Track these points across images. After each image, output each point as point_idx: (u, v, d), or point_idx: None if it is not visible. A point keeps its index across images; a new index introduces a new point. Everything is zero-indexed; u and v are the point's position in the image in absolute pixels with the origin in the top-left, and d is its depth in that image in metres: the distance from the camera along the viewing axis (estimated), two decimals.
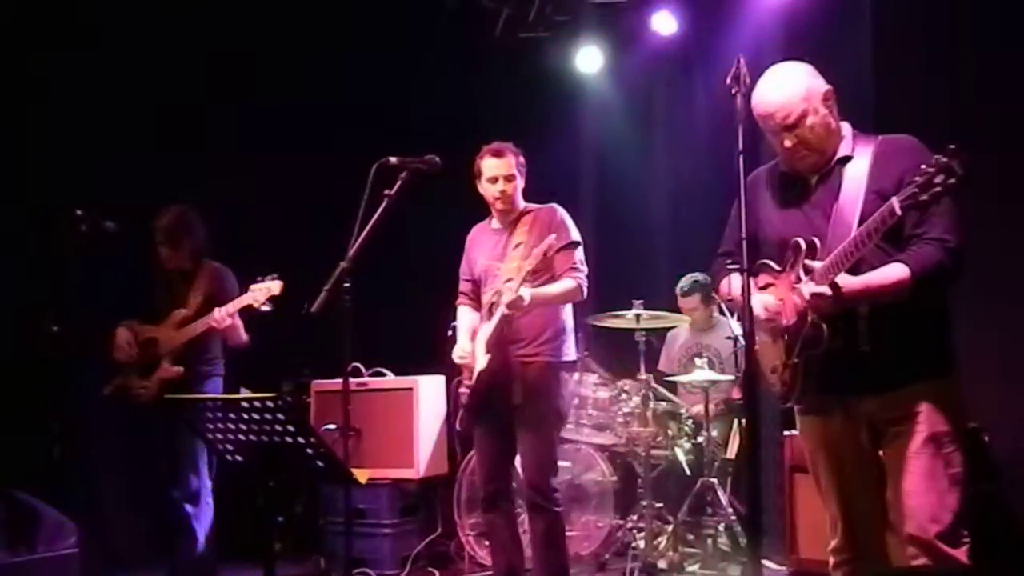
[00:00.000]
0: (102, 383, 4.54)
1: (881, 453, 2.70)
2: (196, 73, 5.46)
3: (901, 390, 2.61)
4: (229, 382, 4.66)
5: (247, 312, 4.37)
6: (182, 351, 4.44)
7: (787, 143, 2.70)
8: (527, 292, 3.63)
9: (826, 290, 2.52)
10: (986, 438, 3.81)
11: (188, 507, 4.37)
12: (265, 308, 4.29)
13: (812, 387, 2.69)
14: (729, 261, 2.84)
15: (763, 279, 2.81)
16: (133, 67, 5.30)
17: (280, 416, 2.67)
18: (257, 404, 2.68)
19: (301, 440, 2.70)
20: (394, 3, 6.00)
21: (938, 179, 2.30)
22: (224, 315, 4.32)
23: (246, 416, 2.73)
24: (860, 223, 2.54)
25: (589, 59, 6.45)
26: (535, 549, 3.83)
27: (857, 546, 2.74)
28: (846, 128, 2.76)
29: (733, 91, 2.70)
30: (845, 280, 2.53)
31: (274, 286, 4.28)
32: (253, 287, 4.30)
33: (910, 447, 2.59)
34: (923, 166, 2.35)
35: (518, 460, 3.93)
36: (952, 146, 2.31)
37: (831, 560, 2.82)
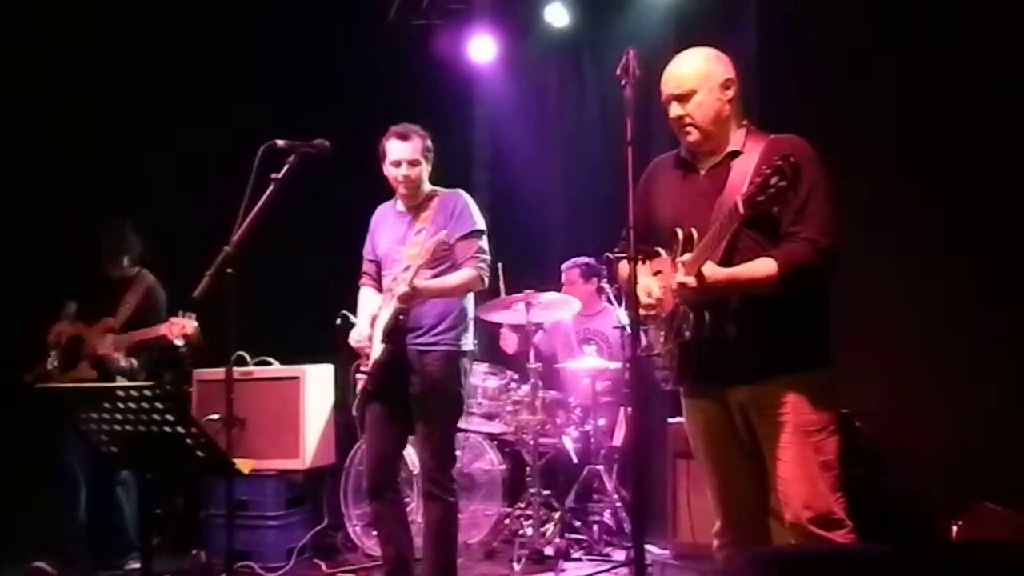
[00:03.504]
0: None
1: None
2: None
3: (770, 381, 2.69)
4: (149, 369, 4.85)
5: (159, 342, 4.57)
6: (100, 358, 4.68)
7: (671, 111, 2.82)
8: (420, 283, 3.60)
9: (691, 280, 2.59)
10: (858, 424, 3.98)
11: (120, 489, 4.63)
12: (177, 342, 4.43)
13: (690, 374, 2.78)
14: (623, 243, 2.88)
15: (655, 265, 2.88)
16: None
17: (159, 405, 2.58)
18: (134, 393, 2.59)
19: (181, 430, 2.62)
20: None
21: (773, 180, 2.42)
22: (135, 339, 4.60)
23: (122, 405, 2.64)
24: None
25: (482, 48, 6.45)
26: (426, 539, 3.80)
27: (737, 530, 2.82)
28: (743, 124, 2.84)
29: (623, 83, 2.74)
30: (712, 271, 2.60)
31: (189, 325, 4.39)
32: (173, 320, 4.43)
33: (781, 437, 2.67)
34: (763, 167, 2.49)
35: (408, 450, 3.90)
36: (786, 155, 2.45)
37: (715, 543, 2.90)
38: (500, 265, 4.96)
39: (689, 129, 2.81)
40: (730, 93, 2.80)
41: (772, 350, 2.67)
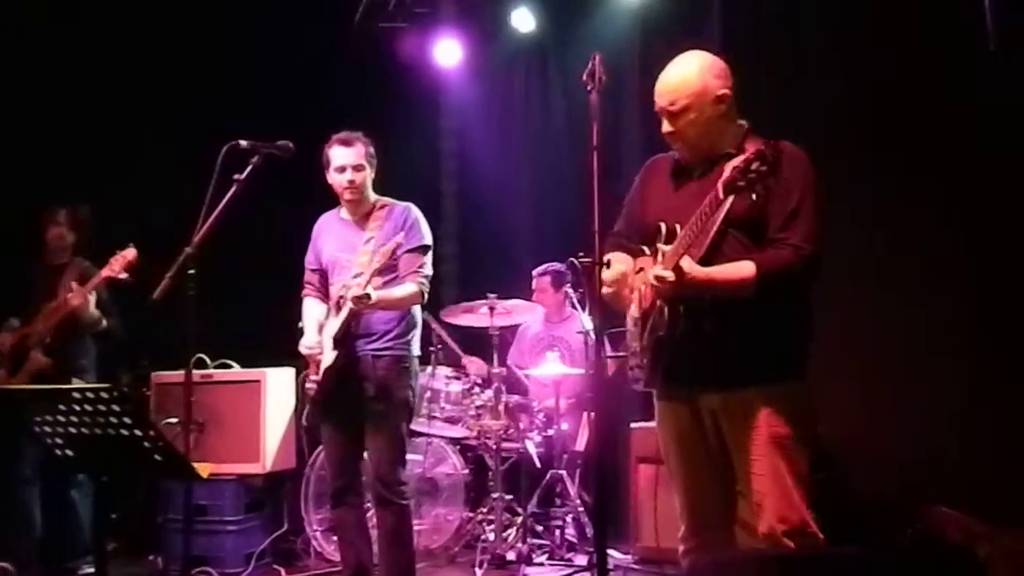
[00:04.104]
0: None
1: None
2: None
3: (741, 391, 2.64)
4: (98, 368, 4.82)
5: (110, 284, 4.54)
6: (51, 343, 4.61)
7: (664, 127, 2.77)
8: (374, 292, 3.59)
9: (669, 273, 2.54)
10: (819, 429, 4.01)
11: (74, 492, 4.61)
12: (123, 276, 4.43)
13: (662, 374, 2.74)
14: (613, 241, 2.89)
15: (639, 263, 2.83)
16: None
17: (115, 407, 2.53)
18: (90, 395, 2.54)
19: (138, 433, 2.57)
20: None
21: (754, 165, 2.40)
22: (79, 290, 4.48)
23: (78, 408, 2.58)
24: (723, 218, 2.58)
25: (448, 52, 6.45)
26: (382, 544, 3.79)
27: (702, 536, 2.79)
28: (741, 126, 2.78)
29: (589, 88, 2.74)
30: (691, 266, 2.55)
31: (128, 253, 4.43)
32: (111, 260, 4.44)
33: (753, 449, 2.64)
34: (743, 155, 2.47)
35: (366, 454, 3.88)
36: (770, 141, 2.44)
37: (680, 547, 2.87)
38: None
39: (679, 146, 2.78)
40: (723, 107, 2.74)
41: (747, 357, 2.63)
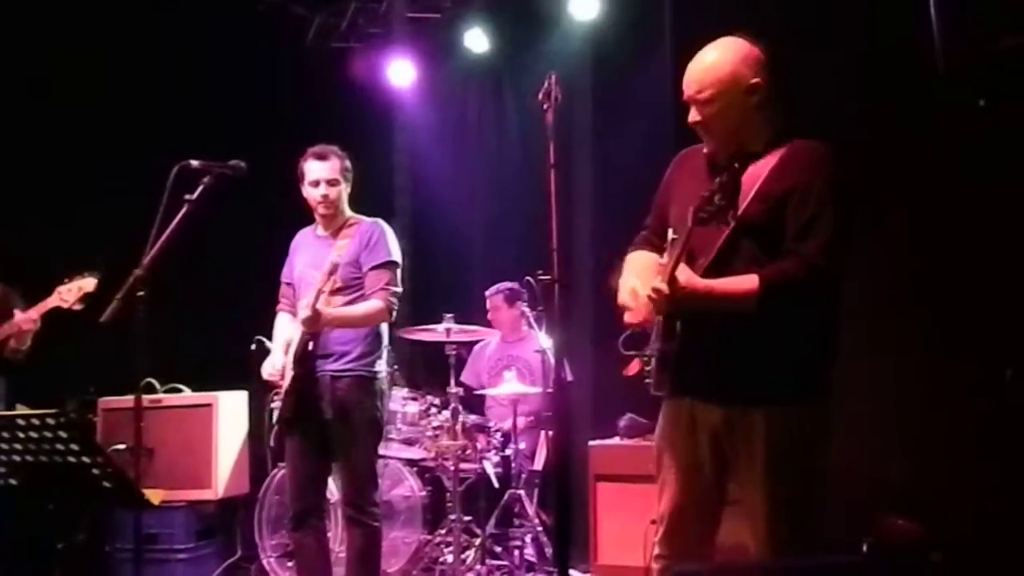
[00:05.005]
0: None
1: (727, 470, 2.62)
2: None
3: (744, 410, 2.50)
4: (7, 399, 4.48)
5: (56, 313, 4.29)
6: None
7: (691, 116, 2.59)
8: (324, 310, 3.54)
9: (663, 286, 2.39)
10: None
11: None
12: (77, 307, 4.20)
13: (667, 384, 2.58)
14: (642, 237, 2.77)
15: (658, 268, 2.62)
16: None
17: (62, 434, 2.46)
18: (36, 421, 2.47)
19: (86, 459, 2.50)
20: (201, 4, 5.76)
21: (716, 199, 2.34)
22: (28, 318, 4.24)
23: (22, 435, 2.51)
24: (737, 224, 2.46)
25: (401, 72, 6.45)
26: (349, 566, 3.74)
27: (676, 548, 2.69)
28: (770, 125, 2.61)
29: (544, 107, 2.75)
30: (688, 279, 2.40)
31: (87, 283, 4.19)
32: (61, 288, 4.20)
33: (748, 473, 2.52)
34: (708, 186, 2.37)
35: (330, 477, 3.83)
36: (730, 170, 2.37)
37: (654, 551, 2.76)
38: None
39: (705, 136, 2.60)
40: (756, 98, 2.54)
41: (752, 375, 2.46)
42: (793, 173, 2.48)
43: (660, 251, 2.62)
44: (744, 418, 2.51)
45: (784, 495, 2.47)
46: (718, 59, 2.55)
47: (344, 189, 3.84)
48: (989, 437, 3.64)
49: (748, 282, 2.41)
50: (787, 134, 2.57)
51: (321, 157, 3.79)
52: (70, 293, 4.19)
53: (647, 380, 2.64)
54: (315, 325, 3.56)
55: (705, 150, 2.65)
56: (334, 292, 3.58)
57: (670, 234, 2.52)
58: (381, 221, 3.89)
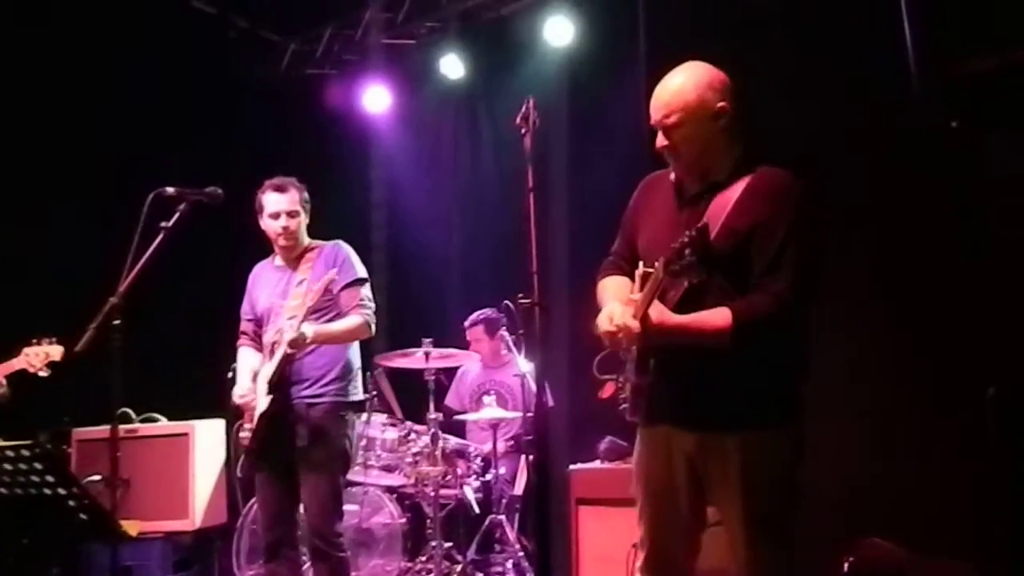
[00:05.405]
0: None
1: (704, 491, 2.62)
2: None
3: (718, 435, 2.51)
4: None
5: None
6: None
7: (658, 141, 2.60)
8: (309, 329, 3.55)
9: (634, 324, 2.41)
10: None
11: None
12: (43, 373, 4.08)
13: (641, 411, 2.61)
14: (611, 263, 2.77)
15: (629, 300, 2.63)
16: None
17: (37, 465, 2.44)
18: (10, 453, 2.44)
19: (62, 491, 2.47)
20: (175, 29, 5.75)
21: (686, 253, 2.28)
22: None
23: None
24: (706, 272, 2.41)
25: (377, 99, 6.47)
26: None
27: (659, 570, 2.69)
28: (735, 153, 2.61)
29: (523, 131, 2.76)
30: (660, 316, 2.41)
31: (53, 351, 4.06)
32: (28, 351, 4.08)
33: (724, 496, 2.53)
34: (680, 239, 2.30)
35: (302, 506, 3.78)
36: (699, 226, 2.31)
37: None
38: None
39: (672, 161, 2.61)
40: (722, 122, 2.55)
41: (724, 401, 2.48)
42: (759, 205, 2.47)
43: (630, 275, 2.63)
44: (718, 442, 2.52)
45: (762, 516, 2.48)
46: (684, 83, 2.56)
47: (303, 220, 3.86)
48: (969, 455, 3.66)
49: (720, 318, 2.41)
50: (752, 160, 2.57)
51: (280, 189, 3.80)
52: (37, 358, 4.09)
53: (622, 404, 2.67)
54: (303, 345, 3.54)
55: (672, 175, 2.66)
56: (307, 316, 3.57)
57: (640, 266, 2.51)
58: (341, 242, 3.91)
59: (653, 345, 2.45)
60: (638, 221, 2.73)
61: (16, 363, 4.10)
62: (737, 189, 2.50)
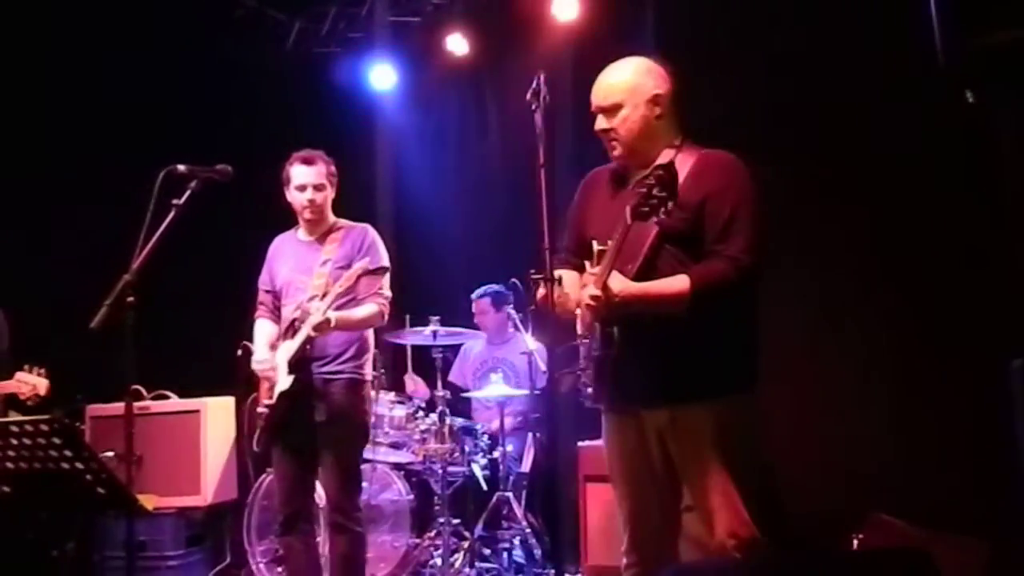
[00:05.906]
0: None
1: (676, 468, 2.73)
2: None
3: (687, 407, 2.63)
4: None
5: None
6: None
7: (597, 124, 2.77)
8: (333, 315, 3.56)
9: (597, 292, 2.53)
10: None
11: None
12: (30, 403, 4.15)
13: (607, 392, 2.73)
14: (560, 258, 2.86)
15: (584, 279, 2.78)
16: None
17: (55, 440, 2.46)
18: (29, 427, 2.46)
19: (79, 465, 2.50)
20: (181, 9, 5.73)
21: (655, 191, 2.41)
22: None
23: (15, 441, 2.51)
24: (656, 234, 2.60)
25: (383, 76, 6.45)
26: (333, 571, 3.73)
27: (644, 553, 2.78)
28: (676, 142, 2.77)
29: (533, 107, 2.76)
30: (620, 285, 2.54)
31: (40, 385, 4.15)
32: (20, 376, 4.16)
33: (701, 464, 2.63)
34: (644, 179, 2.46)
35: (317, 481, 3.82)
36: (663, 163, 2.47)
37: (623, 561, 2.87)
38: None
39: (613, 144, 2.77)
40: (659, 109, 2.74)
41: (691, 373, 2.61)
42: (708, 179, 2.64)
43: (580, 269, 2.77)
44: (689, 415, 2.64)
45: (735, 482, 2.61)
46: (624, 71, 2.77)
47: (329, 194, 3.85)
48: (983, 430, 3.66)
49: (679, 283, 2.57)
50: (692, 144, 2.75)
51: (308, 162, 3.78)
52: (27, 386, 4.14)
53: (581, 396, 2.78)
54: (327, 329, 3.57)
55: (612, 166, 2.84)
56: (324, 296, 3.58)
57: (595, 246, 2.64)
58: (369, 226, 3.91)
59: (615, 315, 2.57)
60: (585, 215, 2.89)
61: (8, 386, 4.18)
62: (684, 169, 2.63)
